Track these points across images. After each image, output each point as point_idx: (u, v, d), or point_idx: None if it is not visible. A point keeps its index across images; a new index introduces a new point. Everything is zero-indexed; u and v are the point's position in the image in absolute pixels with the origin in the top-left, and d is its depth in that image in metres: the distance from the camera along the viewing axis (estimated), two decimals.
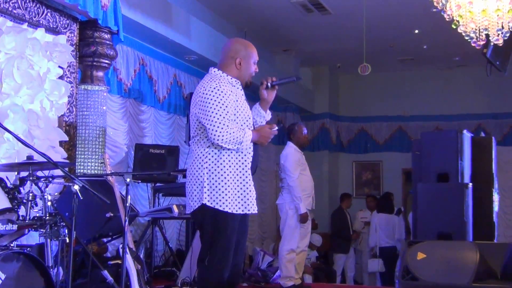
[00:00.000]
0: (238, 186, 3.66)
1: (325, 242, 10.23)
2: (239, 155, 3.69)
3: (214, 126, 3.56)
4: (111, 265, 5.16)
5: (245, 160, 3.71)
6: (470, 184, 6.33)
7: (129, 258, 4.51)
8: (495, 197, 6.81)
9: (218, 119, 3.56)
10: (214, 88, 3.62)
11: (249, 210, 3.70)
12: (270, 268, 7.74)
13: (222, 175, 3.61)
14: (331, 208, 11.73)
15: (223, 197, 3.59)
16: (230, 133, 3.57)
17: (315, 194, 6.79)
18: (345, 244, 10.43)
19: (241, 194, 3.67)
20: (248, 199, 3.68)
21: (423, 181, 6.31)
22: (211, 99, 3.59)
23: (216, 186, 3.59)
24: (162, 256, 7.61)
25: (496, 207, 6.83)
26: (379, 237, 9.60)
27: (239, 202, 3.65)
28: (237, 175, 3.67)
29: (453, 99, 12.40)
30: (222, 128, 3.55)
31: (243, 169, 3.70)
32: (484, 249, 5.28)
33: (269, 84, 3.87)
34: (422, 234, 6.08)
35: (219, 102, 3.58)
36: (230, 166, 3.64)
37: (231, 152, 3.66)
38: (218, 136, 3.56)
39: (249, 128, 3.72)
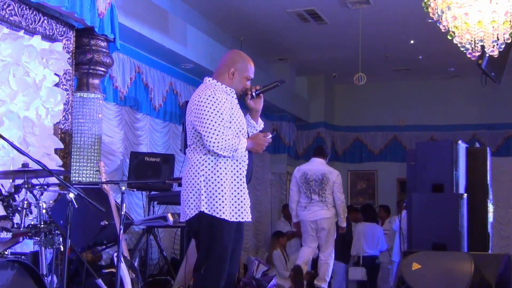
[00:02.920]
0: (232, 194, 3.68)
1: None
2: (234, 163, 3.70)
3: (209, 133, 3.57)
4: (105, 273, 5.13)
5: (240, 168, 3.72)
6: (465, 194, 6.34)
7: (123, 266, 4.49)
8: (490, 208, 6.82)
9: (213, 126, 3.58)
10: (209, 96, 3.64)
11: (242, 218, 3.71)
12: (265, 277, 7.72)
13: (219, 182, 3.62)
14: None
15: (220, 204, 3.59)
16: (225, 140, 3.58)
17: None
18: (349, 254, 10.39)
19: (235, 202, 3.68)
20: (242, 207, 3.70)
21: (418, 191, 6.31)
22: (207, 107, 3.61)
23: (213, 194, 3.60)
24: (157, 264, 7.57)
25: (491, 218, 6.84)
26: (362, 247, 9.57)
27: (232, 210, 3.66)
28: (232, 182, 3.68)
29: (448, 110, 12.45)
30: (217, 135, 3.57)
31: (237, 177, 3.71)
32: (479, 260, 5.29)
33: (254, 94, 3.88)
34: (417, 244, 6.08)
35: (214, 109, 3.60)
36: (226, 174, 3.66)
37: (227, 160, 3.67)
38: (214, 143, 3.57)
39: (243, 136, 3.73)
